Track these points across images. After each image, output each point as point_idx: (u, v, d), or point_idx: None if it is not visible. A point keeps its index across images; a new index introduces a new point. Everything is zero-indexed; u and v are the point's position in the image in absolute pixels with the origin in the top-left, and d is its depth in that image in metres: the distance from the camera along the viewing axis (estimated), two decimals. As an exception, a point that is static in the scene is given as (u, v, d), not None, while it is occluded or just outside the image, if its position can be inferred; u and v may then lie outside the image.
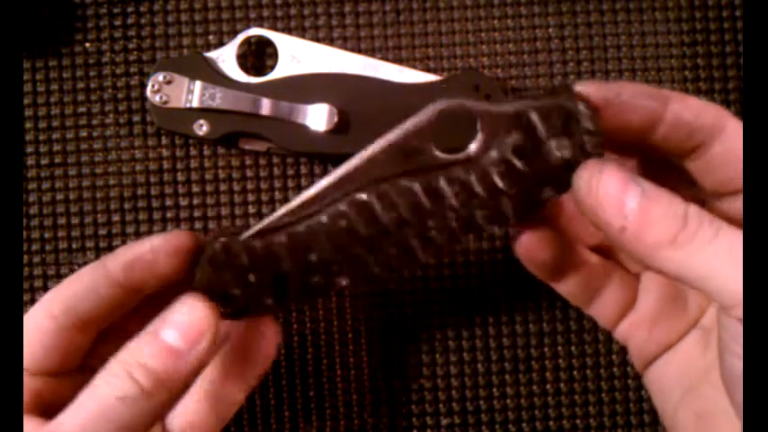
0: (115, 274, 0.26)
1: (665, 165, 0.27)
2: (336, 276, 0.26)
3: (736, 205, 0.25)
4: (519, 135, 0.25)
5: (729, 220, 0.26)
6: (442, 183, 0.25)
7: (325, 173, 0.36)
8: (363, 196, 0.25)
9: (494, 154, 0.25)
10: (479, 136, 0.25)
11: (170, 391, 0.24)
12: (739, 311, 0.22)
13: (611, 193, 0.23)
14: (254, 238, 0.26)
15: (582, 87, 0.25)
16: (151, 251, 0.26)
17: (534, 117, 0.25)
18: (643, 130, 0.26)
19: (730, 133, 0.24)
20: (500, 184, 0.25)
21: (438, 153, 0.25)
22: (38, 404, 0.25)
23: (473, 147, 0.25)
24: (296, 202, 0.26)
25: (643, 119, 0.25)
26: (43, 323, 0.25)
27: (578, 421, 0.36)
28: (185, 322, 0.25)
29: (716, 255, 0.22)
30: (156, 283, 0.27)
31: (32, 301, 0.34)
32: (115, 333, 0.28)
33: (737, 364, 0.22)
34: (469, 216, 0.25)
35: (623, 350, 0.36)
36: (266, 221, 0.26)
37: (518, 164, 0.25)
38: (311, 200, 0.25)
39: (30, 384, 0.25)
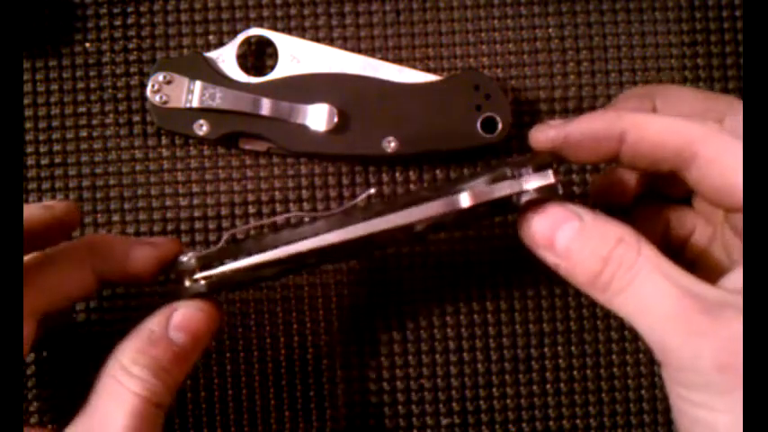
0: (106, 278, 0.27)
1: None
2: None
3: (735, 218, 0.25)
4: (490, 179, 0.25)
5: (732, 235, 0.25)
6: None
7: (325, 173, 0.36)
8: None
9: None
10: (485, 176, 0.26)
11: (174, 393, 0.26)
12: (667, 368, 0.22)
13: (541, 232, 0.24)
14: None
15: (531, 133, 0.26)
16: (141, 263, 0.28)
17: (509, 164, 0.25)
18: (605, 161, 0.26)
19: (702, 162, 0.24)
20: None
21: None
22: None
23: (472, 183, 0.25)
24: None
25: (597, 157, 0.25)
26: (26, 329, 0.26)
27: (578, 421, 0.36)
28: (196, 325, 0.26)
29: (628, 303, 0.23)
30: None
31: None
32: None
33: (678, 403, 0.23)
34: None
35: (623, 350, 0.36)
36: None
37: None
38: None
39: None
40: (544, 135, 0.26)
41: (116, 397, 0.24)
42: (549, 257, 0.24)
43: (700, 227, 0.28)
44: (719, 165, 0.23)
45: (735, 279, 0.22)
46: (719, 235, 0.27)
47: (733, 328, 0.21)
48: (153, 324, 0.26)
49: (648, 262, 0.23)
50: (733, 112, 0.24)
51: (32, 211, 0.26)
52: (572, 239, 0.23)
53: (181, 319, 0.26)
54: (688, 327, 0.21)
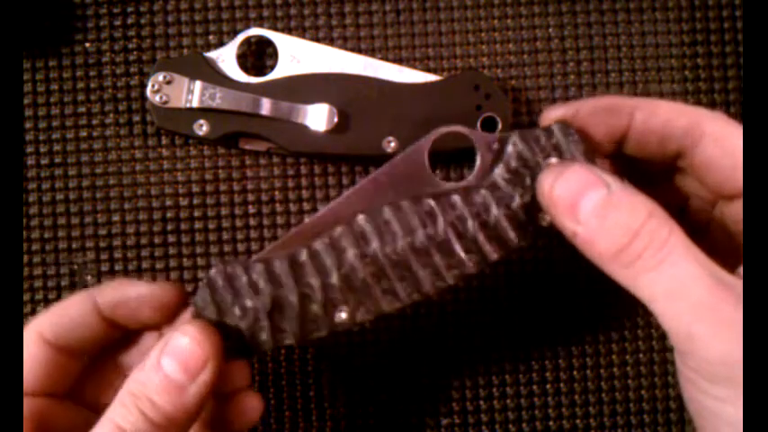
0: (103, 309, 0.27)
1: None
2: (336, 306, 0.25)
3: (733, 209, 0.25)
4: (512, 162, 0.25)
5: (728, 224, 0.25)
6: (440, 211, 0.25)
7: (325, 173, 0.36)
8: (361, 221, 0.25)
9: (490, 182, 0.25)
10: (477, 164, 0.26)
11: (178, 426, 0.24)
12: (691, 358, 0.21)
13: (565, 195, 0.23)
14: (255, 262, 0.25)
15: (543, 114, 0.26)
16: (137, 299, 0.27)
17: (519, 141, 0.25)
18: (613, 142, 0.26)
19: (709, 140, 0.24)
20: (496, 211, 0.25)
21: (439, 180, 0.26)
22: (36, 426, 0.25)
23: (472, 175, 0.26)
24: (297, 228, 0.26)
25: (608, 132, 0.25)
26: (34, 346, 0.26)
27: (578, 421, 0.36)
28: (185, 353, 0.24)
29: (655, 284, 0.21)
30: (139, 325, 0.27)
31: (32, 302, 0.34)
32: (107, 358, 0.28)
33: (699, 397, 0.22)
34: (474, 241, 0.25)
35: (623, 350, 0.36)
36: (268, 248, 0.26)
37: (512, 190, 0.25)
38: (313, 225, 0.26)
39: (27, 404, 0.25)
40: (555, 113, 0.26)
41: (105, 422, 0.23)
42: (568, 224, 0.23)
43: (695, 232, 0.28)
44: (725, 145, 0.23)
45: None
46: (713, 236, 0.27)
47: None
48: (153, 349, 0.24)
49: (680, 243, 0.21)
50: (711, 121, 0.24)
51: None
52: (598, 207, 0.22)
53: (171, 346, 0.24)
54: (721, 318, 0.21)
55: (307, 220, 0.26)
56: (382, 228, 0.25)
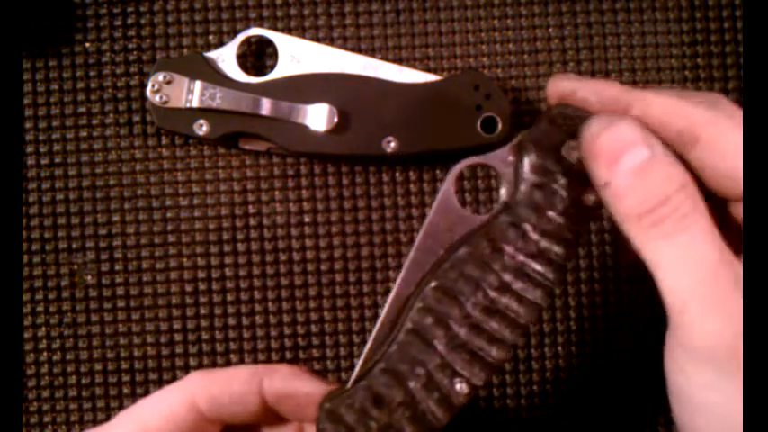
0: (268, 397, 0.26)
1: None
2: (452, 381, 0.25)
3: (732, 211, 0.25)
4: (534, 161, 0.25)
5: (730, 225, 0.25)
6: (500, 241, 0.25)
7: (325, 173, 0.36)
8: (430, 293, 0.25)
9: (524, 188, 0.25)
10: (502, 181, 0.26)
11: None
12: (679, 333, 0.21)
13: (608, 147, 0.23)
14: (357, 383, 0.25)
15: (550, 81, 0.26)
16: (307, 397, 0.26)
17: (532, 138, 0.25)
18: None
19: (704, 146, 0.23)
20: (547, 209, 0.25)
21: (475, 216, 0.26)
22: None
23: (503, 193, 0.25)
24: (377, 326, 0.25)
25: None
26: (181, 408, 0.25)
27: (578, 421, 0.36)
28: None
29: (664, 252, 0.22)
30: (298, 419, 0.27)
31: (32, 302, 0.34)
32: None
33: (680, 380, 0.22)
34: (539, 252, 0.25)
35: (623, 350, 0.36)
36: (361, 359, 0.25)
37: (553, 185, 0.25)
38: (388, 317, 0.25)
39: None
40: (555, 86, 0.26)
41: None
42: (603, 173, 0.23)
43: None
44: (721, 149, 0.23)
45: None
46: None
47: None
48: None
49: (701, 220, 0.22)
50: (706, 126, 0.24)
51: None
52: (638, 167, 0.22)
53: None
54: (718, 298, 0.21)
55: (380, 319, 0.25)
56: (455, 288, 0.25)
